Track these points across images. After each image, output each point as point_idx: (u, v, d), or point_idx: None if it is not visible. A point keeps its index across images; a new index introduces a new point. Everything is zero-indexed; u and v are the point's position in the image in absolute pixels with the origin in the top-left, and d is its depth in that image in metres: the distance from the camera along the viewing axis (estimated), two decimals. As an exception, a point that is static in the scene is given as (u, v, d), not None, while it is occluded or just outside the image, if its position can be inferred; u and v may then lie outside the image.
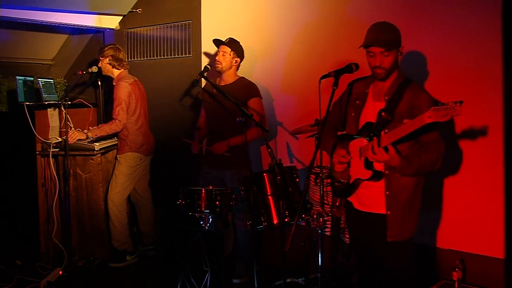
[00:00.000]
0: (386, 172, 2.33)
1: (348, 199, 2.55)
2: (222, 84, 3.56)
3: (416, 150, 2.28)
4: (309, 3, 3.69)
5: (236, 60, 3.55)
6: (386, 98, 2.36)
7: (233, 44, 3.54)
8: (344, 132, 2.59)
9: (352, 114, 2.49)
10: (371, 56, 2.34)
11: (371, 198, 2.42)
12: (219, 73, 3.57)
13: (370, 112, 2.40)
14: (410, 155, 2.24)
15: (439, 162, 2.26)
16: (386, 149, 2.16)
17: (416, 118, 2.02)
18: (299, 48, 3.76)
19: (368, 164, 2.31)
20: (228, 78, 3.57)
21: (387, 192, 2.34)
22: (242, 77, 3.62)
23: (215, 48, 3.64)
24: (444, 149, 2.29)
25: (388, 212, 2.35)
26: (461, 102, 1.88)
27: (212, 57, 4.14)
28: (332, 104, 2.63)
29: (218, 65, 3.52)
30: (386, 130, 2.19)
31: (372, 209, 2.43)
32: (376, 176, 2.32)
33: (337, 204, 2.60)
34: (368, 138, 2.30)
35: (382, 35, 2.30)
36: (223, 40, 3.58)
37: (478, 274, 2.98)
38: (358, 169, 2.39)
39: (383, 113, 2.28)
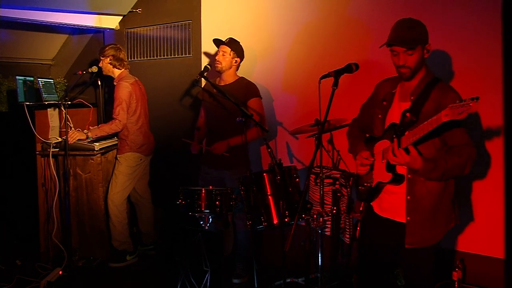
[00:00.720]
0: (409, 176, 2.23)
1: (371, 203, 2.47)
2: (222, 84, 3.56)
3: (443, 153, 2.18)
4: (309, 3, 3.69)
5: (236, 60, 3.55)
6: (412, 98, 2.27)
7: (233, 44, 3.55)
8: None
9: (379, 116, 2.40)
10: (394, 55, 2.25)
11: (391, 204, 2.34)
12: (219, 73, 3.57)
13: (396, 113, 2.31)
14: (435, 157, 2.14)
15: (468, 166, 2.14)
16: (407, 150, 2.08)
17: (434, 116, 1.95)
18: (299, 48, 3.76)
19: (390, 167, 2.23)
20: (228, 78, 3.57)
21: (408, 197, 2.24)
22: (241, 77, 3.62)
23: (215, 48, 3.64)
24: (474, 153, 2.16)
25: (408, 218, 2.25)
26: (477, 99, 1.81)
27: (212, 57, 4.14)
28: (361, 106, 2.61)
29: (218, 65, 3.52)
30: (415, 128, 2.08)
31: (392, 216, 2.34)
32: (397, 179, 2.23)
33: (360, 209, 2.50)
34: (390, 140, 2.22)
35: (404, 33, 2.20)
36: (223, 40, 3.58)
37: (478, 274, 2.98)
38: (380, 171, 2.32)
39: (407, 114, 2.20)
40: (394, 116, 2.32)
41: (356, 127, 2.65)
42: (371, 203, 2.46)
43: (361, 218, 2.54)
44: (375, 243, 2.45)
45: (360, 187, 2.47)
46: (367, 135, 2.53)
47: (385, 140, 2.28)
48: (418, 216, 2.23)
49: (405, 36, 2.19)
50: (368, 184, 2.40)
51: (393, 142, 2.17)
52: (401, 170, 2.23)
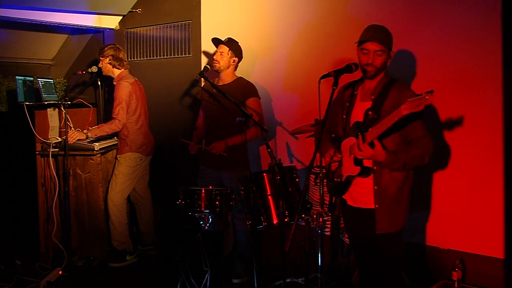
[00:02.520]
0: (375, 168, 2.40)
1: (343, 196, 2.62)
2: (220, 84, 3.56)
3: (404, 146, 2.36)
4: (309, 3, 3.68)
5: (234, 60, 3.55)
6: (373, 97, 2.45)
7: (232, 43, 3.55)
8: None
9: (344, 116, 2.57)
10: (364, 53, 2.42)
11: (361, 194, 2.49)
12: (217, 73, 3.57)
13: (359, 112, 2.49)
14: (396, 150, 2.32)
15: (426, 156, 2.33)
16: (371, 144, 2.24)
17: (395, 111, 2.11)
18: (299, 48, 3.76)
19: (357, 161, 2.38)
20: (226, 77, 3.57)
21: (375, 187, 2.41)
22: (240, 77, 3.62)
23: (215, 48, 3.64)
24: (431, 144, 2.35)
25: (376, 206, 2.42)
26: (431, 92, 1.98)
27: (211, 57, 4.14)
28: (325, 110, 2.68)
29: (216, 64, 3.52)
30: (377, 125, 2.25)
31: (363, 205, 2.50)
32: (364, 171, 2.39)
33: (333, 201, 2.69)
34: (356, 137, 2.37)
35: (379, 35, 2.40)
36: (222, 39, 3.58)
37: (477, 274, 2.98)
38: (348, 166, 2.46)
39: (369, 112, 2.38)
40: (357, 115, 2.49)
41: (325, 129, 2.74)
42: (343, 197, 2.61)
43: (338, 213, 2.75)
44: (357, 234, 2.63)
45: (331, 183, 2.62)
46: (333, 135, 2.70)
47: (351, 138, 2.43)
48: (385, 203, 2.41)
49: (380, 36, 2.40)
50: (338, 180, 2.55)
51: (358, 138, 2.31)
52: (368, 163, 2.39)
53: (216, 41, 3.59)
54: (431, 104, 2.79)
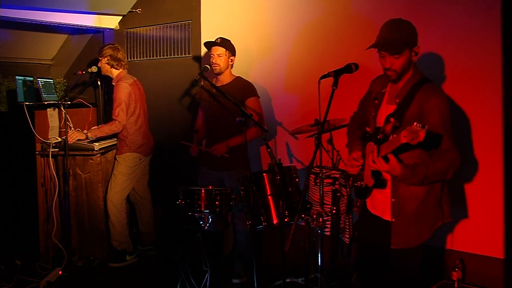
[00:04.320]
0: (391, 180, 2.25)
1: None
2: (219, 84, 3.55)
3: (425, 158, 2.15)
4: (308, 3, 3.68)
5: (231, 59, 3.55)
6: (397, 101, 2.25)
7: (226, 43, 3.53)
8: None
9: (372, 114, 2.41)
10: (381, 56, 2.25)
11: (381, 202, 2.36)
12: (216, 75, 3.56)
13: (384, 115, 2.29)
14: (415, 164, 2.11)
15: (450, 172, 2.11)
16: (386, 159, 2.08)
17: (396, 135, 1.98)
18: (299, 47, 3.76)
19: (374, 172, 2.25)
20: (224, 78, 3.56)
21: (392, 200, 2.27)
22: (238, 76, 3.61)
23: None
24: (458, 158, 2.14)
25: (393, 220, 2.27)
26: (424, 126, 1.84)
27: (209, 60, 4.14)
28: (359, 101, 2.62)
29: (216, 67, 3.50)
30: (395, 135, 2.06)
31: (381, 214, 2.37)
32: (379, 184, 2.27)
33: (358, 204, 2.55)
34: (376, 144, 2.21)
35: (392, 35, 2.19)
36: (213, 40, 3.55)
37: (477, 274, 2.98)
38: (367, 174, 2.34)
39: (391, 119, 2.18)
40: (382, 117, 2.31)
41: (355, 122, 2.65)
42: (365, 200, 2.49)
43: (358, 213, 2.58)
44: (366, 238, 2.50)
45: (356, 184, 2.49)
46: (363, 132, 2.52)
47: (372, 143, 2.25)
48: (402, 219, 2.25)
49: (392, 38, 2.18)
50: (361, 183, 2.43)
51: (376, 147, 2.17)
52: (385, 175, 2.24)
53: (210, 44, 3.56)
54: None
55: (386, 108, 2.32)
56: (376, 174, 2.26)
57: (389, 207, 2.29)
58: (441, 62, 3.09)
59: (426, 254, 3.18)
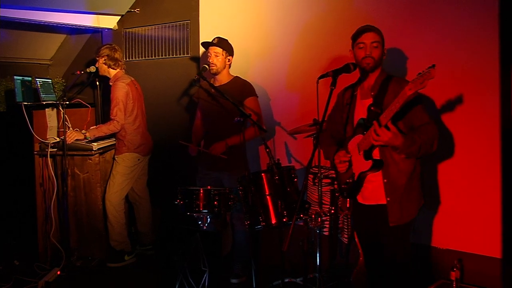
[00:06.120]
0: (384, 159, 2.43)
1: None
2: (217, 84, 3.54)
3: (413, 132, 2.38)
4: (308, 3, 3.69)
5: (229, 59, 3.54)
6: (372, 93, 2.48)
7: (223, 43, 3.53)
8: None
9: (345, 118, 2.62)
10: (360, 47, 2.46)
11: (372, 191, 2.51)
12: (213, 75, 3.56)
13: (360, 110, 2.52)
14: (411, 134, 2.35)
15: (435, 142, 2.37)
16: (387, 127, 2.23)
17: (399, 94, 2.14)
18: (298, 47, 3.76)
19: (368, 155, 2.41)
20: (222, 78, 3.56)
21: (385, 180, 2.44)
22: (236, 76, 3.61)
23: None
24: (437, 130, 2.39)
25: (388, 199, 2.45)
26: (433, 66, 2.00)
27: (207, 59, 4.14)
28: (327, 117, 2.73)
29: (213, 67, 3.50)
30: (392, 104, 2.24)
31: (374, 201, 2.53)
32: (377, 164, 2.40)
33: (347, 205, 2.73)
34: (363, 133, 2.39)
35: (372, 27, 2.47)
36: (210, 40, 3.55)
37: (475, 274, 2.99)
38: (359, 163, 2.48)
39: (372, 108, 2.41)
40: (359, 113, 2.53)
41: (327, 135, 2.81)
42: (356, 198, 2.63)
43: (341, 217, 2.77)
44: (363, 227, 2.71)
45: (343, 186, 2.63)
46: (337, 139, 2.73)
47: (358, 136, 2.46)
48: (396, 195, 2.45)
49: (373, 28, 2.47)
50: (350, 180, 2.56)
51: (365, 134, 2.33)
52: (377, 156, 2.43)
53: (207, 44, 3.56)
54: (430, 104, 2.84)
55: (362, 104, 2.53)
56: (371, 156, 2.41)
57: (381, 192, 2.47)
58: (441, 62, 3.09)
59: (425, 254, 3.21)
